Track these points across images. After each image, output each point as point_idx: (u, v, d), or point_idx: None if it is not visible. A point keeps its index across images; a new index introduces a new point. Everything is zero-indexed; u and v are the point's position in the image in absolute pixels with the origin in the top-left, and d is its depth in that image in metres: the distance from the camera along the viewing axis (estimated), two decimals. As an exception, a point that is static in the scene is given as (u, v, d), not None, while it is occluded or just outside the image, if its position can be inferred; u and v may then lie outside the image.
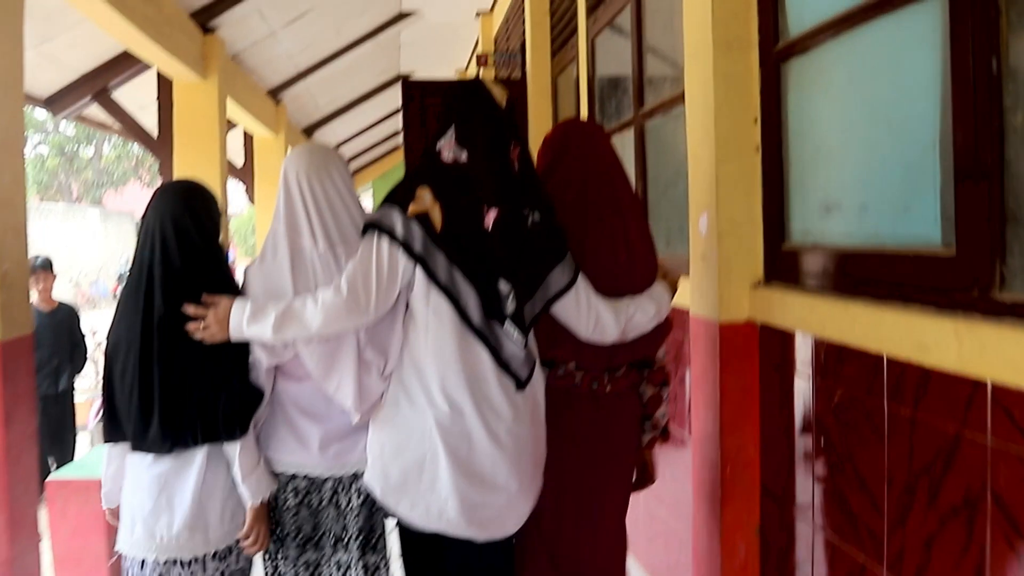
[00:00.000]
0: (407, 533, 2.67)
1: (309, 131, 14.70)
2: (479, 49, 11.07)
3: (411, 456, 2.49)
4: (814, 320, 2.66)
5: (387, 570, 2.74)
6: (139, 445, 2.51)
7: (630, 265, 2.75)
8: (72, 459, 6.82)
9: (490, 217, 2.48)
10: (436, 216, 2.45)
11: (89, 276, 29.99)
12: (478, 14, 10.90)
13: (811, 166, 2.87)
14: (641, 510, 4.31)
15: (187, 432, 2.48)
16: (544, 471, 2.64)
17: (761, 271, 3.12)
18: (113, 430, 2.57)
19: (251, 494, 2.56)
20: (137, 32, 5.78)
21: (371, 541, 2.69)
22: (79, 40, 6.52)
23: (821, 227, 2.81)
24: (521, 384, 2.50)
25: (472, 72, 12.50)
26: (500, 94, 2.61)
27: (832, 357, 2.57)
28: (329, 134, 15.86)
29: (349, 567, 2.66)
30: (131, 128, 7.44)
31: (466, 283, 2.45)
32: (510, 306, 2.46)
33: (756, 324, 3.10)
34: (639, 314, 2.67)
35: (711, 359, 3.21)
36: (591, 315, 2.60)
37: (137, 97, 8.16)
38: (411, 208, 2.45)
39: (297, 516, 2.67)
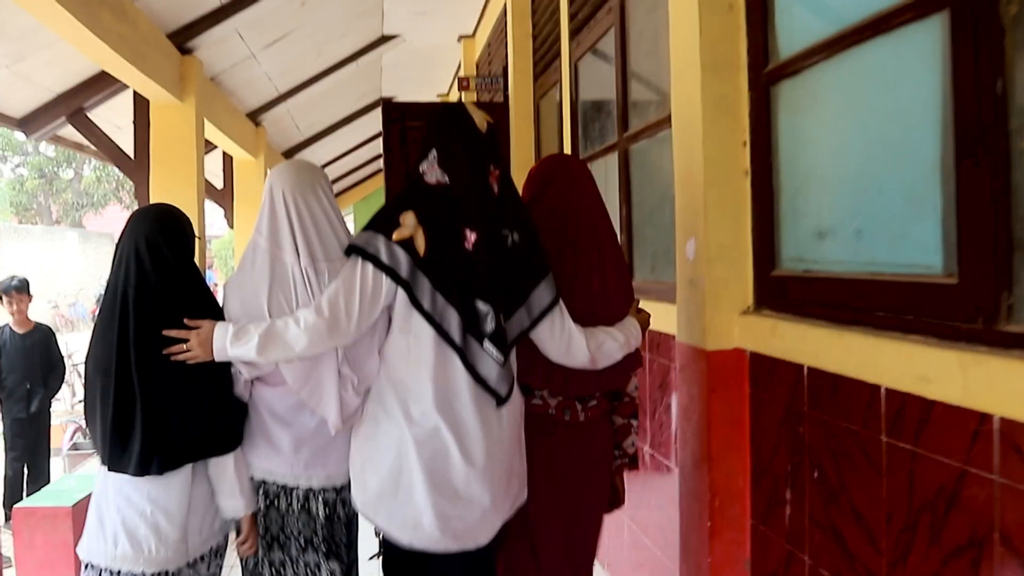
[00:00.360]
0: (388, 544, 2.72)
1: (289, 154, 14.59)
2: (461, 73, 11.02)
3: (388, 470, 2.57)
4: (807, 349, 2.58)
5: None
6: (118, 467, 2.51)
7: (604, 294, 2.88)
8: (48, 482, 6.68)
9: (471, 239, 2.55)
10: (420, 241, 2.52)
11: (68, 298, 29.70)
12: (460, 38, 10.86)
13: (803, 190, 2.80)
14: (626, 538, 4.21)
15: (174, 452, 2.52)
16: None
17: (751, 298, 3.04)
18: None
19: (246, 505, 2.67)
20: (112, 53, 5.66)
21: (332, 549, 2.77)
22: (54, 60, 6.40)
23: (814, 253, 2.73)
24: (501, 401, 2.58)
25: (454, 96, 12.44)
26: (481, 118, 2.67)
27: (826, 387, 2.48)
28: (310, 157, 15.75)
29: (319, 567, 2.75)
30: (107, 149, 7.29)
31: (448, 305, 2.52)
32: (489, 325, 2.53)
33: (745, 352, 3.01)
34: (610, 341, 2.75)
35: (698, 387, 3.13)
36: (564, 336, 2.69)
37: (114, 118, 8.04)
38: (396, 234, 2.52)
39: (265, 517, 2.74)
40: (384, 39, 10.67)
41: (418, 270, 2.50)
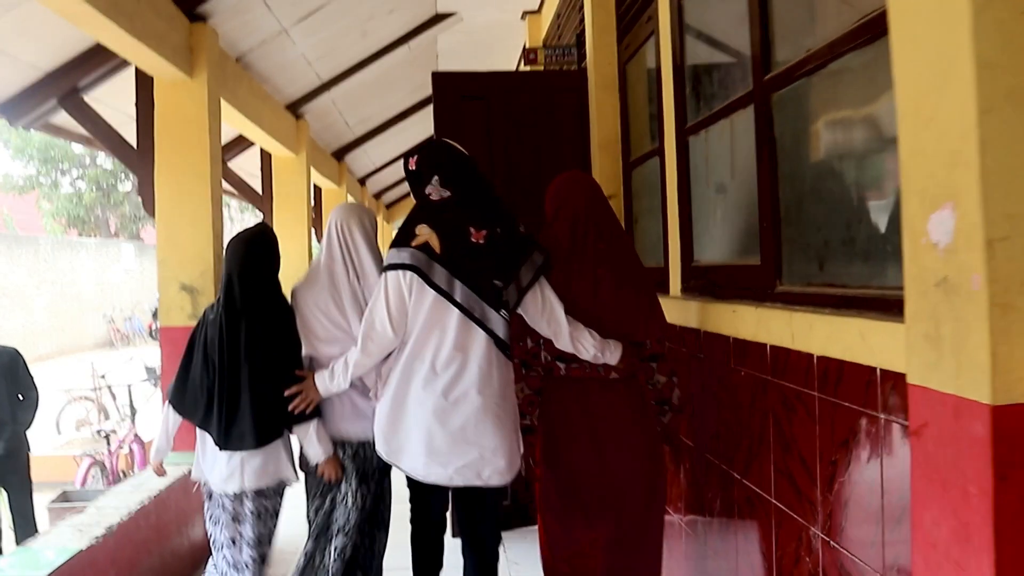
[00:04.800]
0: (409, 481, 3.66)
1: (340, 154, 13.42)
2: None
3: (401, 425, 3.47)
4: None
5: (372, 496, 3.91)
6: (232, 446, 3.72)
7: (603, 294, 3.48)
8: (35, 529, 5.53)
9: (478, 235, 3.38)
10: (435, 242, 3.37)
11: (124, 312, 29.13)
12: (525, 14, 9.61)
13: None
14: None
15: (271, 432, 3.73)
16: (568, 445, 3.52)
17: (1073, 310, 1.68)
18: (185, 406, 3.83)
19: (324, 451, 3.74)
20: (93, 11, 4.49)
21: (364, 479, 3.87)
22: (27, 26, 5.20)
23: None
24: (510, 355, 3.46)
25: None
26: (461, 148, 3.59)
27: None
28: (362, 157, 14.61)
29: (348, 492, 3.83)
30: (105, 138, 6.04)
31: (463, 286, 3.35)
32: (511, 296, 3.36)
33: (1063, 408, 1.66)
34: (587, 337, 3.41)
35: (968, 464, 1.77)
36: (547, 307, 3.41)
37: (122, 105, 6.80)
38: (413, 242, 3.39)
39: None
40: (439, 17, 9.44)
41: (434, 262, 3.34)
